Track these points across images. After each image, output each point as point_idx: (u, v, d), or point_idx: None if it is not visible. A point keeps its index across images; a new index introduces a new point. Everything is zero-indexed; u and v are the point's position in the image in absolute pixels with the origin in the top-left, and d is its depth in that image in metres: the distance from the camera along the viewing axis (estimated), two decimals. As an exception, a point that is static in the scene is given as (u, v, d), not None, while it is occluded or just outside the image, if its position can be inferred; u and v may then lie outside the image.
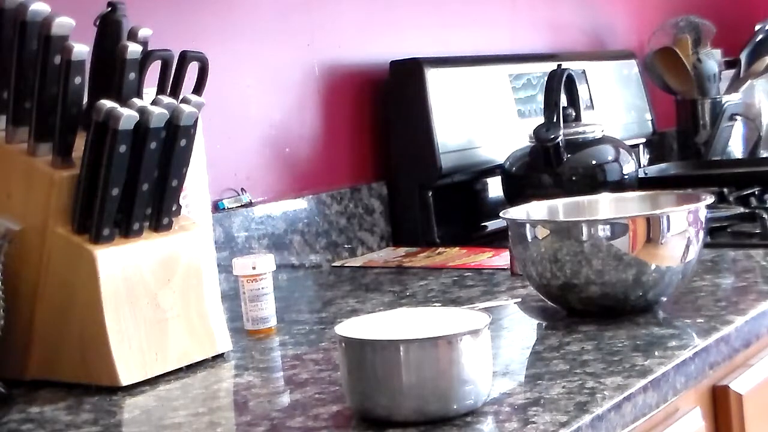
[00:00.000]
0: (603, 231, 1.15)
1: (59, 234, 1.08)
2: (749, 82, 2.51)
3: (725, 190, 1.85)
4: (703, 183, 1.91)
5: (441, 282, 1.51)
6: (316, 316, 1.38)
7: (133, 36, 1.15)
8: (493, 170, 1.90)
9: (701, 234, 1.19)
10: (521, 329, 1.24)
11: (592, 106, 2.17)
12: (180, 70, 1.18)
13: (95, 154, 1.06)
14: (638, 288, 1.17)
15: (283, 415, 0.95)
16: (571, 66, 1.93)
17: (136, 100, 1.08)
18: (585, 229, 1.16)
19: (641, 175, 1.93)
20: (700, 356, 1.05)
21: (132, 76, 1.11)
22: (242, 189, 1.64)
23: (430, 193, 1.84)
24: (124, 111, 1.04)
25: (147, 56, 1.14)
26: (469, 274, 1.55)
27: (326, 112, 1.81)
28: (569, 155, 1.76)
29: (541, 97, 1.91)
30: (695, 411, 1.11)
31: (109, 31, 1.15)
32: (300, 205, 1.71)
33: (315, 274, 1.69)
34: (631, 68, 2.38)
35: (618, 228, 1.15)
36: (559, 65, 1.86)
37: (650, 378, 0.96)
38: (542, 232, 1.19)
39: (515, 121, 1.98)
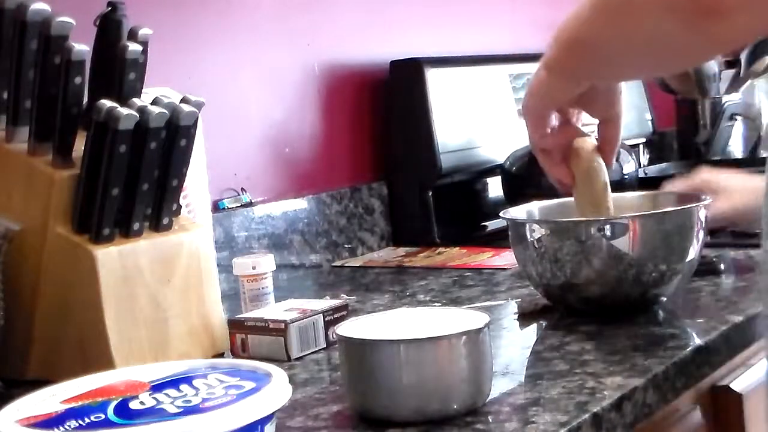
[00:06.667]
0: (603, 231, 1.15)
1: (59, 234, 1.08)
2: (749, 82, 2.50)
3: (725, 190, 1.84)
4: (703, 183, 1.91)
5: (441, 282, 1.51)
6: (316, 316, 1.38)
7: (133, 36, 1.14)
8: (493, 170, 1.90)
9: (701, 234, 1.19)
10: (521, 329, 1.24)
11: (592, 106, 2.16)
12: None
13: (95, 154, 1.06)
14: (638, 288, 1.17)
15: (283, 414, 0.95)
16: (571, 66, 1.92)
17: (136, 100, 1.08)
18: (585, 229, 1.15)
19: (641, 175, 1.93)
20: (700, 356, 1.05)
21: (132, 76, 1.11)
22: (242, 189, 1.64)
23: (430, 193, 1.84)
24: (124, 111, 1.04)
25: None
26: (469, 274, 1.55)
27: (326, 111, 1.81)
28: (569, 155, 1.76)
29: (541, 97, 1.91)
30: (695, 411, 1.11)
31: (109, 31, 1.15)
32: (300, 205, 1.71)
33: (315, 274, 1.68)
34: (631, 68, 2.37)
35: (618, 228, 1.15)
36: (559, 65, 1.86)
37: (650, 378, 0.96)
38: (542, 232, 1.19)
39: (515, 121, 1.97)
